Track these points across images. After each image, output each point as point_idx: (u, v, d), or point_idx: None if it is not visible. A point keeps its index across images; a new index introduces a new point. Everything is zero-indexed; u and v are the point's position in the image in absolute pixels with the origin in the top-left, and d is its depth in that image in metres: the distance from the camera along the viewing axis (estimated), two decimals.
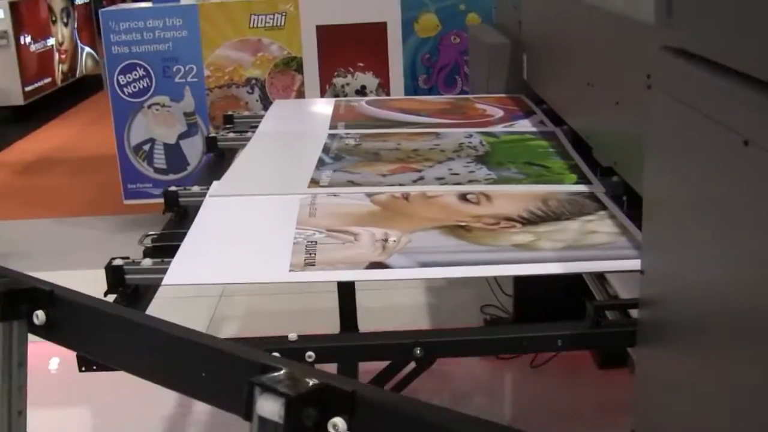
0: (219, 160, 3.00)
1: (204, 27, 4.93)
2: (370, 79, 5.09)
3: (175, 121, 5.07)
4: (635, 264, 1.84)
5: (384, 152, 2.71)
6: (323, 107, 3.46)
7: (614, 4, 2.33)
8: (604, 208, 2.21)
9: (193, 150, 5.12)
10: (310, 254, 1.92)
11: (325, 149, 2.75)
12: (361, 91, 5.09)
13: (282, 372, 0.92)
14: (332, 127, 3.06)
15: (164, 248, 2.13)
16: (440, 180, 2.43)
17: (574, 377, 3.50)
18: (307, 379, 0.90)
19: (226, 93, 5.06)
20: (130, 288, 1.97)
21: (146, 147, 5.12)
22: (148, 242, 2.19)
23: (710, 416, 1.46)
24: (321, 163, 2.60)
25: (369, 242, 1.99)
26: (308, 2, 4.96)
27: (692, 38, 1.41)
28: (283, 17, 4.94)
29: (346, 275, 1.86)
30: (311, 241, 1.99)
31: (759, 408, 1.29)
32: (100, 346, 1.15)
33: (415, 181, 2.42)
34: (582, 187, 2.35)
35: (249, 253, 1.99)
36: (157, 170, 5.15)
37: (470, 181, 2.41)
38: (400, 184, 2.39)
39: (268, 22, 4.95)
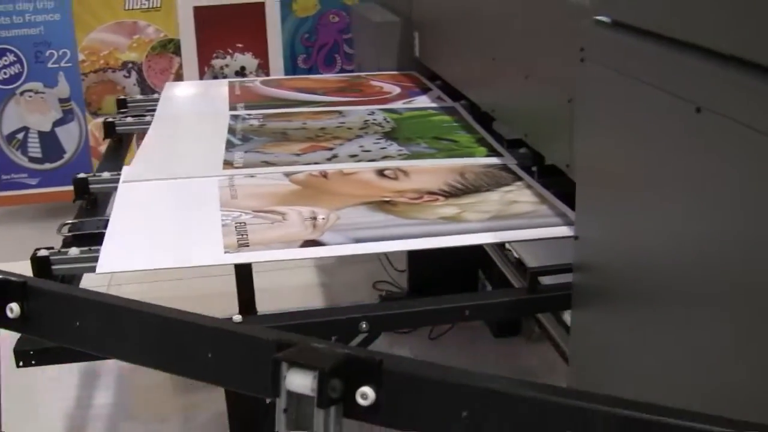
0: (118, 145, 2.93)
1: (77, 9, 4.79)
2: (249, 60, 5.06)
3: (50, 107, 4.91)
4: (564, 231, 1.92)
5: (291, 132, 2.71)
6: (217, 88, 3.42)
7: None
8: (519, 179, 2.27)
9: (70, 137, 4.98)
10: (242, 235, 1.91)
11: (231, 130, 2.73)
12: (241, 72, 5.05)
13: (301, 346, 0.93)
14: (232, 108, 3.03)
15: (83, 236, 2.09)
16: (354, 157, 2.45)
17: (472, 347, 3.58)
18: (331, 352, 0.91)
19: (102, 77, 4.93)
20: (57, 279, 1.93)
21: (20, 136, 4.94)
22: (65, 231, 2.14)
23: (642, 375, 1.54)
24: (230, 145, 2.58)
25: (298, 221, 2.00)
26: None
27: (632, 10, 1.47)
28: None
29: (282, 254, 1.86)
30: (240, 222, 1.99)
31: (687, 365, 1.37)
32: (83, 336, 1.13)
33: (329, 159, 2.43)
34: (494, 160, 2.41)
35: (178, 236, 1.97)
36: (32, 159, 4.98)
37: (384, 158, 2.44)
38: (316, 163, 2.40)
39: (144, 4, 4.85)
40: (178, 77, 4.97)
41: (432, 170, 2.33)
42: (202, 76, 5.01)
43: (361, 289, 4.13)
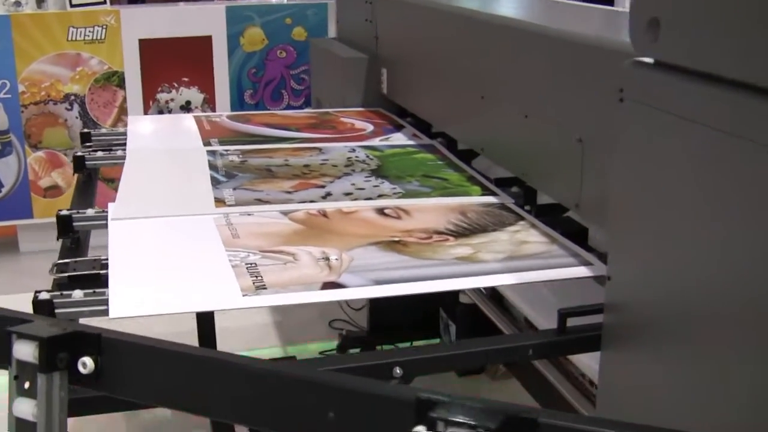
0: (88, 180, 2.82)
1: (17, 40, 4.65)
2: (195, 95, 4.98)
3: None
4: (583, 271, 1.90)
5: (275, 168, 2.64)
6: (184, 123, 3.33)
7: (516, 19, 2.40)
8: (521, 218, 2.25)
9: (8, 171, 4.82)
10: (257, 277, 1.84)
11: (212, 166, 2.65)
12: (186, 107, 4.97)
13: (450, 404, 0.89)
14: (206, 143, 2.95)
15: (79, 278, 1.98)
16: (348, 195, 2.40)
17: (435, 386, 3.53)
18: (486, 406, 0.87)
19: (43, 110, 4.79)
20: None
21: None
22: (55, 272, 2.02)
23: (672, 417, 1.52)
24: (216, 181, 2.50)
25: (311, 262, 1.94)
26: (130, 15, 4.80)
27: (685, 52, 1.46)
28: (104, 30, 4.74)
29: (304, 297, 1.79)
30: (250, 263, 1.91)
31: (718, 407, 1.36)
32: (168, 393, 1.05)
33: (323, 197, 2.37)
34: (491, 199, 2.39)
35: (187, 278, 1.88)
36: None
37: (380, 196, 2.39)
38: (311, 201, 2.34)
39: (88, 35, 4.74)
40: (122, 111, 4.86)
41: (432, 209, 2.30)
42: (146, 111, 4.91)
43: (318, 328, 4.08)
